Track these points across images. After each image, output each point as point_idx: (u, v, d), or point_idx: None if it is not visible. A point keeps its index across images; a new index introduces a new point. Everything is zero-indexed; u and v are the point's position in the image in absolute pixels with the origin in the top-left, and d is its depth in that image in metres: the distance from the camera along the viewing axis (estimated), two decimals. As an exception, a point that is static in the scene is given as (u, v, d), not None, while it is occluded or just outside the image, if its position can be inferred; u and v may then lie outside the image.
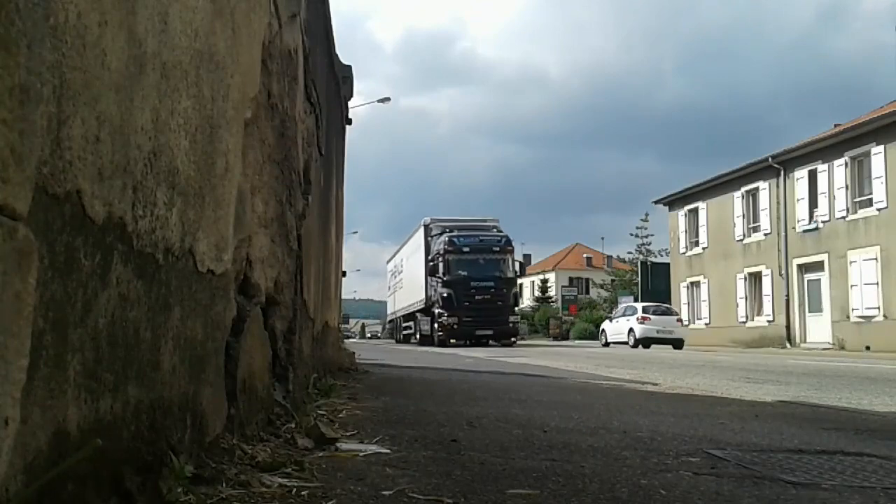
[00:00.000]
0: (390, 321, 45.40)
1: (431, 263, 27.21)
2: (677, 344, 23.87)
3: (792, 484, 2.23)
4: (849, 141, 22.55)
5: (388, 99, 31.87)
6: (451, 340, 26.08)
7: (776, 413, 4.43)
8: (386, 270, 45.01)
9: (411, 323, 32.94)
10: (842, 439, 3.28)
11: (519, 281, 30.87)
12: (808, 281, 24.62)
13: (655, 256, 47.97)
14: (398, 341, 37.49)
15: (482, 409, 4.20)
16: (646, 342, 24.39)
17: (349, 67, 7.73)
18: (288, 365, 3.15)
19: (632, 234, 53.52)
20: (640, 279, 39.16)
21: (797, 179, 24.89)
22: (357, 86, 8.74)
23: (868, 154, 21.87)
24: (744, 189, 27.59)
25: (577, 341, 40.01)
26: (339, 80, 7.00)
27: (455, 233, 27.35)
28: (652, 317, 25.27)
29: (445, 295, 26.08)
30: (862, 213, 22.23)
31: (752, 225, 27.41)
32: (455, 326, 25.80)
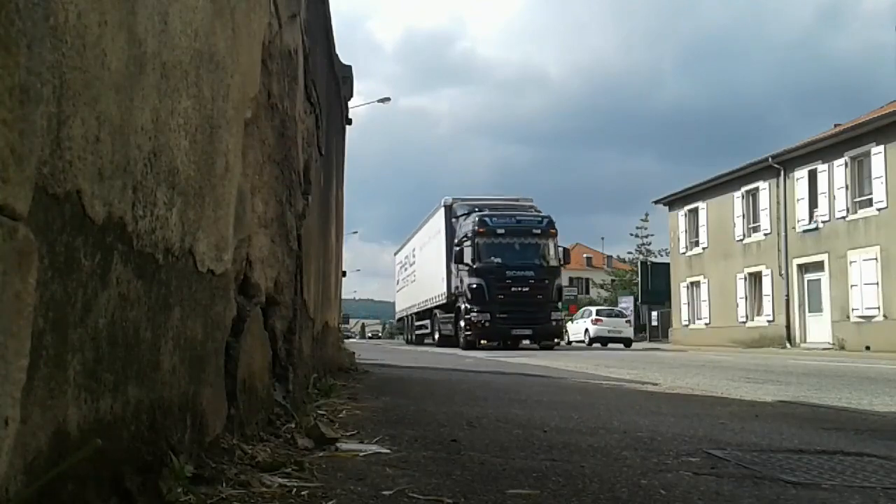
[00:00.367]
0: (399, 320, 39.76)
1: (457, 249, 22.44)
2: (626, 342, 28.24)
3: (792, 484, 2.23)
4: (849, 141, 22.53)
5: (388, 99, 31.84)
6: (482, 342, 21.54)
7: (776, 413, 4.43)
8: (394, 264, 40.31)
9: (427, 321, 28.46)
10: (842, 439, 3.28)
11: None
12: (808, 281, 24.61)
13: (655, 256, 48.01)
14: (409, 342, 33.42)
15: (482, 408, 4.20)
16: (599, 340, 29.03)
17: (349, 67, 7.73)
18: (288, 365, 3.15)
19: (632, 234, 53.53)
20: (640, 279, 39.18)
21: (797, 179, 24.88)
22: (357, 86, 8.74)
23: (868, 154, 21.86)
24: (744, 189, 27.57)
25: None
26: (339, 80, 6.99)
27: (486, 212, 22.60)
28: (604, 319, 30.16)
29: (475, 286, 21.38)
30: (862, 213, 22.22)
31: (752, 225, 27.39)
32: (486, 324, 21.06)
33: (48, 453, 1.06)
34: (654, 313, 37.59)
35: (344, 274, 11.04)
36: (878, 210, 21.48)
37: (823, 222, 23.71)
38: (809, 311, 24.50)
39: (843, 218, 22.81)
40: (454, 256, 22.75)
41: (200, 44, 1.71)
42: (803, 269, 24.75)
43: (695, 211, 30.77)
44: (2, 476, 0.91)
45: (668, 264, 34.53)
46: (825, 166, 23.52)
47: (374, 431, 3.07)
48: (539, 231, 22.24)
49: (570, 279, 66.25)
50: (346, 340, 13.94)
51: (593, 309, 32.82)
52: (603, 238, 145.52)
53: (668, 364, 11.53)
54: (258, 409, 2.55)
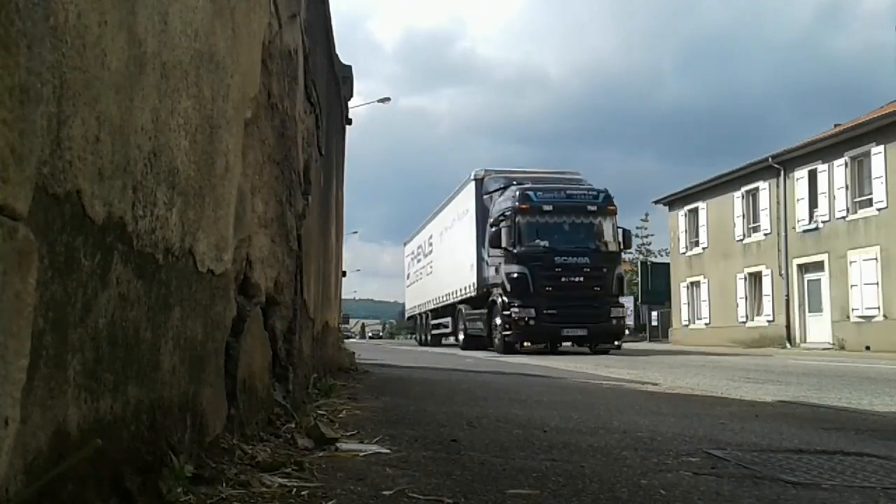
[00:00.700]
0: (410, 318, 35.00)
1: (492, 230, 18.19)
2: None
3: (792, 484, 2.23)
4: (849, 141, 22.53)
5: (388, 99, 31.82)
6: (525, 344, 17.52)
7: (776, 413, 4.43)
8: (403, 256, 36.17)
9: (447, 319, 24.21)
10: (842, 439, 3.28)
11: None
12: (808, 281, 24.61)
13: (655, 256, 48.03)
14: (423, 343, 28.98)
15: (482, 408, 4.20)
16: None
17: (349, 67, 7.73)
18: (288, 365, 3.15)
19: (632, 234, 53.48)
20: (640, 279, 39.17)
21: (797, 179, 24.88)
22: (357, 86, 8.73)
23: (868, 154, 21.86)
24: (744, 189, 27.57)
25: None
26: (339, 80, 7.00)
27: (529, 185, 18.42)
28: None
29: (516, 276, 17.18)
30: (862, 213, 22.22)
31: (752, 225, 27.40)
32: (531, 322, 16.75)
33: (48, 453, 1.06)
34: (654, 313, 37.60)
35: (344, 274, 11.04)
36: (878, 210, 21.49)
37: (823, 222, 23.71)
38: (809, 311, 24.51)
39: (843, 218, 22.81)
40: (489, 239, 18.50)
41: (200, 44, 1.71)
42: (803, 269, 24.75)
43: (695, 211, 30.77)
44: (2, 476, 0.91)
45: (668, 264, 34.54)
46: (825, 166, 23.52)
47: (374, 431, 3.07)
48: (595, 208, 17.85)
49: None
50: (346, 340, 13.94)
51: None
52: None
53: (668, 364, 11.53)
54: (258, 409, 2.55)
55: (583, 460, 2.56)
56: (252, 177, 2.42)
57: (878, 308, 21.28)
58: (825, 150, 23.58)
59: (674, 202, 32.50)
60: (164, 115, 1.49)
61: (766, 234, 26.45)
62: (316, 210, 4.50)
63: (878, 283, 21.36)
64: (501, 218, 18.04)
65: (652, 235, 51.31)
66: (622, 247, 18.51)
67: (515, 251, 17.29)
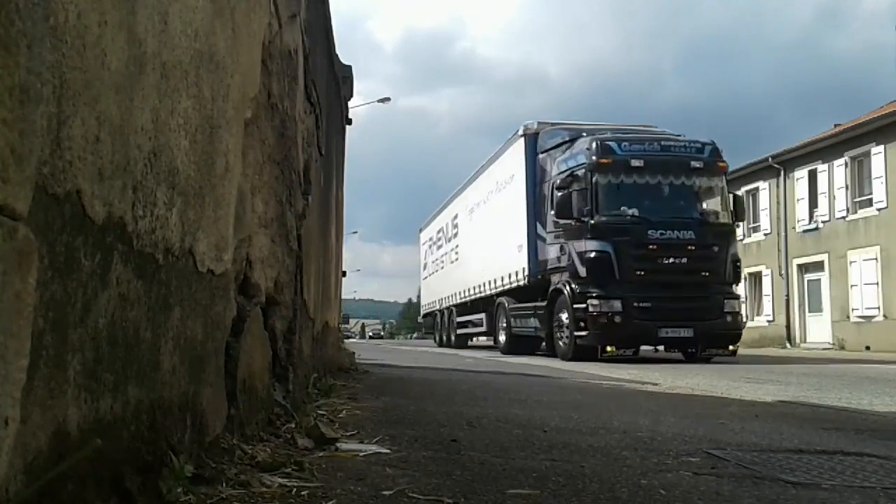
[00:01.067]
0: (426, 315, 28.26)
1: (560, 195, 12.81)
2: None
3: (792, 484, 2.23)
4: (849, 141, 22.54)
5: (388, 99, 31.83)
6: (608, 349, 11.98)
7: (776, 413, 4.43)
8: (419, 244, 29.73)
9: (480, 316, 18.92)
10: (842, 439, 3.27)
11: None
12: (808, 281, 24.61)
13: (655, 256, 47.89)
14: (444, 344, 23.85)
15: (482, 408, 4.20)
16: None
17: (349, 67, 7.74)
18: (288, 365, 3.15)
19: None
20: (640, 279, 39.08)
21: (797, 179, 24.88)
22: (357, 86, 8.72)
23: (868, 154, 21.86)
24: (744, 189, 27.54)
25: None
26: (339, 80, 7.00)
27: (609, 135, 13.27)
28: None
29: (594, 256, 12.27)
30: (862, 213, 22.22)
31: (751, 225, 27.39)
32: (616, 319, 11.89)
33: (48, 453, 1.06)
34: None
35: (344, 274, 11.04)
36: (878, 210, 21.49)
37: (823, 222, 23.71)
38: (809, 311, 24.51)
39: (843, 218, 22.81)
40: (554, 207, 13.11)
41: (200, 44, 1.72)
42: (803, 269, 24.74)
43: (695, 211, 30.77)
44: (2, 476, 0.91)
45: (668, 264, 34.50)
46: (825, 166, 23.53)
47: (374, 431, 3.07)
48: (700, 164, 12.94)
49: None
50: (346, 340, 13.94)
51: None
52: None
53: (668, 364, 11.52)
54: (258, 409, 2.55)
55: (583, 460, 2.56)
56: (252, 177, 2.42)
57: (878, 308, 21.29)
58: (825, 150, 23.59)
59: (674, 202, 32.48)
60: (164, 115, 1.49)
61: (766, 234, 26.45)
62: (316, 210, 4.50)
63: (878, 283, 21.37)
64: (571, 179, 12.88)
65: (652, 235, 51.16)
66: (735, 218, 13.66)
67: (593, 222, 12.37)
